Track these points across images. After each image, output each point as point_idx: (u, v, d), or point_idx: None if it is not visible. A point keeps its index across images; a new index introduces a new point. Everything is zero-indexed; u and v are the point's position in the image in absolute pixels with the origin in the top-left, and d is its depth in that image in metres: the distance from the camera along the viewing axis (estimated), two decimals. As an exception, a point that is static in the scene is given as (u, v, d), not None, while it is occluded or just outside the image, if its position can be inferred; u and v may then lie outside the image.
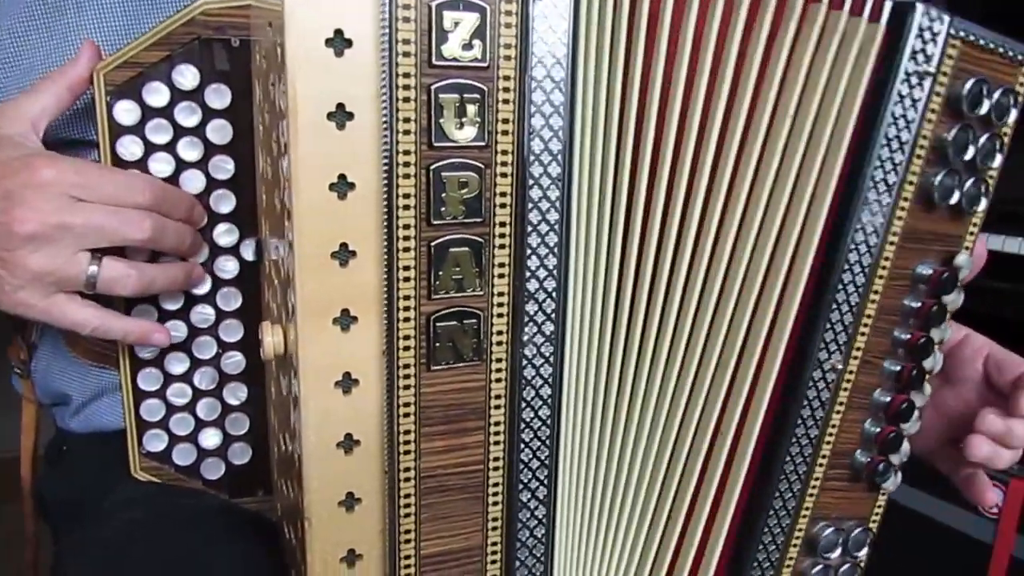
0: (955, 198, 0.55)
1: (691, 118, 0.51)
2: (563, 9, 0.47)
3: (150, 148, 0.59)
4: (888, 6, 0.51)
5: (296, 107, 0.44)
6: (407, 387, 0.49)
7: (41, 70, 0.61)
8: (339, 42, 0.44)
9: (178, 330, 0.61)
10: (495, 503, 0.53)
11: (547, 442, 0.53)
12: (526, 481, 0.53)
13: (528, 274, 0.50)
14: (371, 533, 0.51)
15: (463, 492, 0.52)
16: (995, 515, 1.13)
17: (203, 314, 0.62)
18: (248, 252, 0.61)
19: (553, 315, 0.51)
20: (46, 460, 0.74)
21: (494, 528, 0.54)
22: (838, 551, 0.60)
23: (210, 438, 0.64)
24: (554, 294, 0.51)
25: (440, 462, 0.51)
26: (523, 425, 0.52)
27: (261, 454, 0.65)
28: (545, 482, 0.54)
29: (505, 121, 0.47)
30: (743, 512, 0.58)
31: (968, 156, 0.54)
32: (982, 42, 0.54)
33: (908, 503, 1.23)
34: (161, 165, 0.59)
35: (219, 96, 0.59)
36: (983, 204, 0.57)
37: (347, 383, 0.48)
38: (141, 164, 0.58)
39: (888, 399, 0.58)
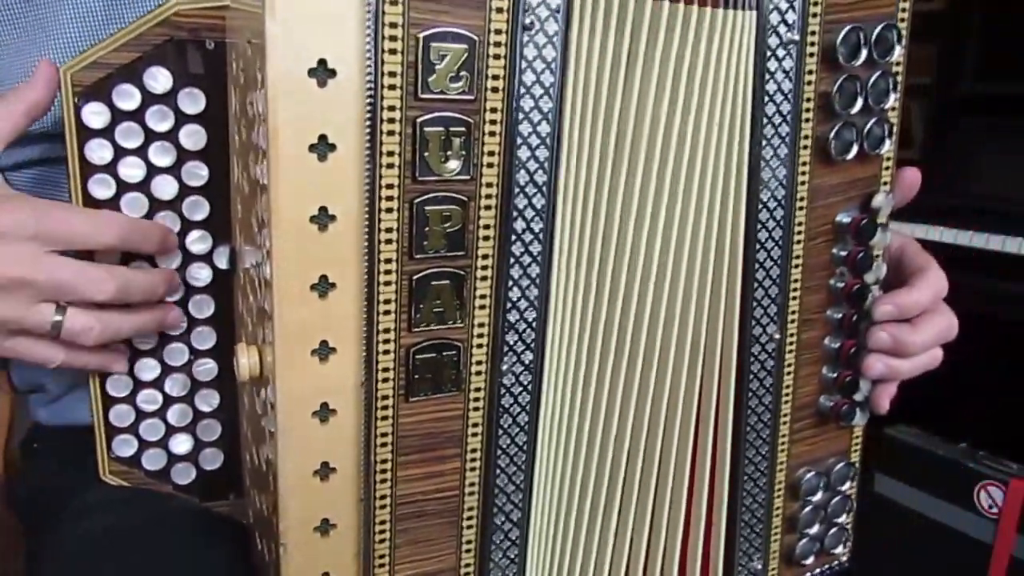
0: (854, 149, 0.56)
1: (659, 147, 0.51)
2: (554, 38, 0.46)
3: (120, 152, 0.56)
4: None
5: (277, 137, 0.43)
6: (385, 417, 0.49)
7: (20, 61, 0.59)
8: (322, 72, 0.42)
9: (149, 337, 0.60)
10: (469, 526, 0.53)
11: (523, 467, 0.53)
12: (501, 504, 0.54)
13: (509, 305, 0.50)
14: (346, 557, 0.51)
15: (438, 517, 0.52)
16: (995, 515, 1.14)
17: (175, 321, 0.61)
18: (222, 260, 0.60)
19: (533, 344, 0.51)
20: (21, 456, 0.73)
21: (467, 550, 0.54)
22: (820, 492, 0.63)
23: (181, 444, 0.63)
24: (534, 324, 0.51)
25: (416, 488, 0.51)
26: (499, 451, 0.52)
27: (233, 458, 0.65)
28: (520, 505, 0.54)
29: (491, 154, 0.47)
30: (718, 497, 0.60)
31: (858, 105, 0.55)
32: None
33: (908, 503, 1.23)
34: (132, 170, 0.57)
35: (193, 101, 0.57)
36: (888, 143, 0.58)
37: (324, 412, 0.48)
38: (110, 168, 0.56)
39: (837, 345, 0.60)
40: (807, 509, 0.64)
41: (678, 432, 0.58)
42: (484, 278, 0.49)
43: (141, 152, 0.57)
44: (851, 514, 0.66)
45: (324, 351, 0.47)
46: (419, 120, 0.44)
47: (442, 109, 0.44)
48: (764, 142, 0.53)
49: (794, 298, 0.57)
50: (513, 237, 0.48)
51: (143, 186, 0.57)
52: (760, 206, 0.54)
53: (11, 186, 0.57)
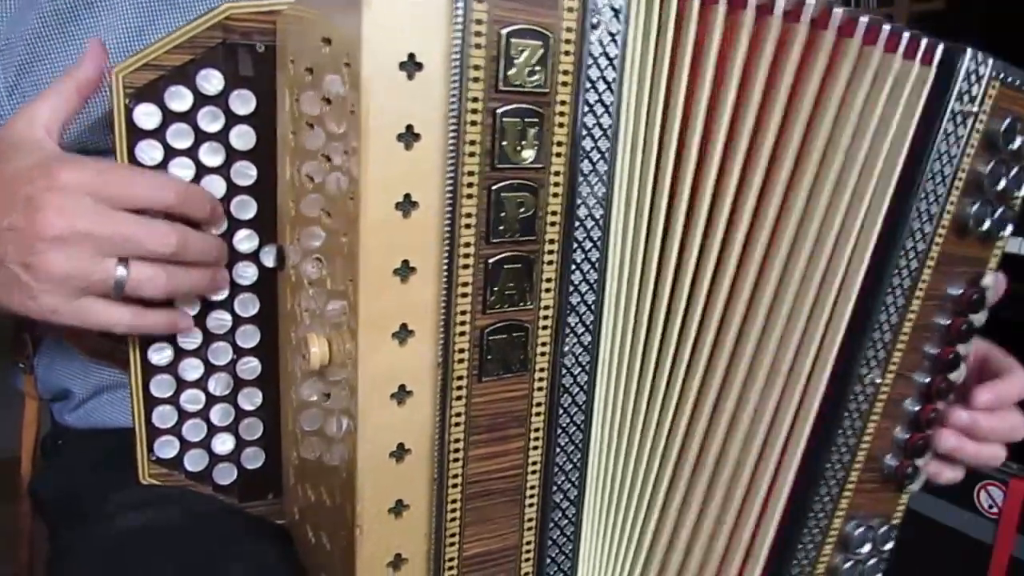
0: (986, 226, 0.60)
1: (736, 146, 0.55)
2: (616, 36, 0.50)
3: (170, 152, 0.57)
4: (940, 50, 0.55)
5: (368, 128, 0.45)
6: (459, 398, 0.51)
7: (54, 76, 0.59)
8: (411, 65, 0.45)
9: (194, 336, 0.61)
10: (531, 504, 0.56)
11: (580, 445, 0.56)
12: (559, 483, 0.56)
13: (571, 288, 0.52)
14: (417, 537, 0.53)
15: (503, 495, 0.54)
16: (995, 515, 1.15)
17: (220, 320, 0.61)
18: (268, 259, 0.61)
19: (591, 326, 0.54)
20: (41, 454, 0.72)
21: (529, 528, 0.56)
22: (868, 547, 0.66)
23: (224, 443, 0.64)
24: (593, 306, 0.54)
25: (484, 468, 0.53)
26: (559, 430, 0.55)
27: (274, 458, 0.65)
28: (576, 483, 0.57)
29: (559, 144, 0.50)
30: (788, 515, 0.63)
31: (1000, 187, 0.60)
32: (1018, 83, 0.59)
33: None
34: (181, 170, 0.58)
35: (243, 102, 0.58)
36: (1009, 229, 0.63)
37: (402, 395, 0.50)
38: (160, 169, 0.57)
39: (918, 408, 0.64)
40: (848, 564, 0.66)
41: (740, 435, 0.61)
42: (550, 262, 0.51)
43: (191, 152, 0.58)
44: None
45: (403, 334, 0.49)
46: (499, 111, 0.47)
47: (519, 101, 0.47)
48: (923, 192, 0.57)
49: (899, 350, 0.60)
50: (576, 223, 0.51)
51: (192, 186, 0.58)
52: (903, 252, 0.58)
53: None
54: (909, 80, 0.55)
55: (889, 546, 0.68)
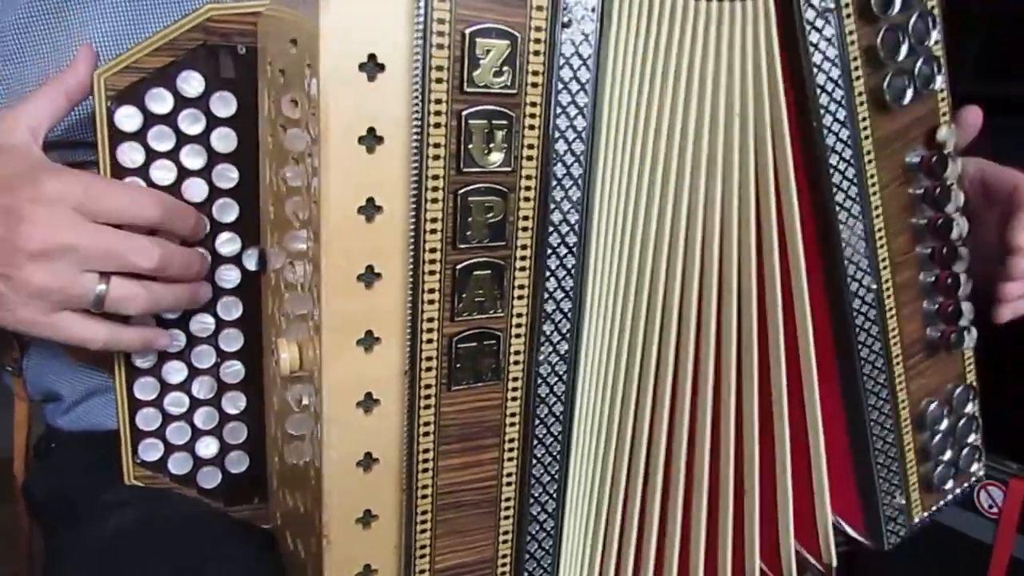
0: (909, 93, 0.58)
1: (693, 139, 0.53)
2: (590, 35, 0.48)
3: (152, 155, 0.57)
4: None
5: (328, 131, 0.44)
6: (428, 407, 0.50)
7: (43, 66, 0.60)
8: (372, 67, 0.44)
9: (177, 340, 0.61)
10: (507, 516, 0.54)
11: (558, 456, 0.54)
12: (536, 495, 0.55)
13: (546, 295, 0.51)
14: (387, 548, 0.52)
15: (477, 507, 0.53)
16: (995, 515, 1.14)
17: (203, 324, 0.61)
18: (250, 262, 0.61)
19: (568, 334, 0.52)
20: (35, 455, 0.73)
21: (504, 541, 0.55)
22: (945, 419, 0.66)
23: (207, 447, 0.63)
24: (570, 314, 0.52)
25: (456, 478, 0.52)
26: (536, 441, 0.53)
27: (258, 462, 0.65)
28: (555, 495, 0.55)
29: (530, 147, 0.48)
30: (847, 454, 0.63)
31: (903, 51, 0.57)
32: None
33: None
34: (163, 172, 0.57)
35: (224, 104, 0.58)
36: (939, 79, 0.60)
37: (368, 403, 0.49)
38: (142, 171, 0.57)
39: (933, 278, 0.63)
40: (937, 438, 0.66)
41: (744, 425, 0.59)
42: (523, 268, 0.50)
43: (172, 155, 0.58)
44: (979, 432, 0.69)
45: (369, 341, 0.48)
46: (464, 113, 0.46)
47: (486, 103, 0.46)
48: (822, 109, 0.55)
49: (881, 246, 0.60)
50: (550, 228, 0.50)
51: (174, 188, 0.58)
52: (831, 170, 0.57)
53: None
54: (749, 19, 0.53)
55: (971, 406, 0.68)
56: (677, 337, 0.56)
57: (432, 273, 0.47)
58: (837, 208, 0.58)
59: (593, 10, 0.48)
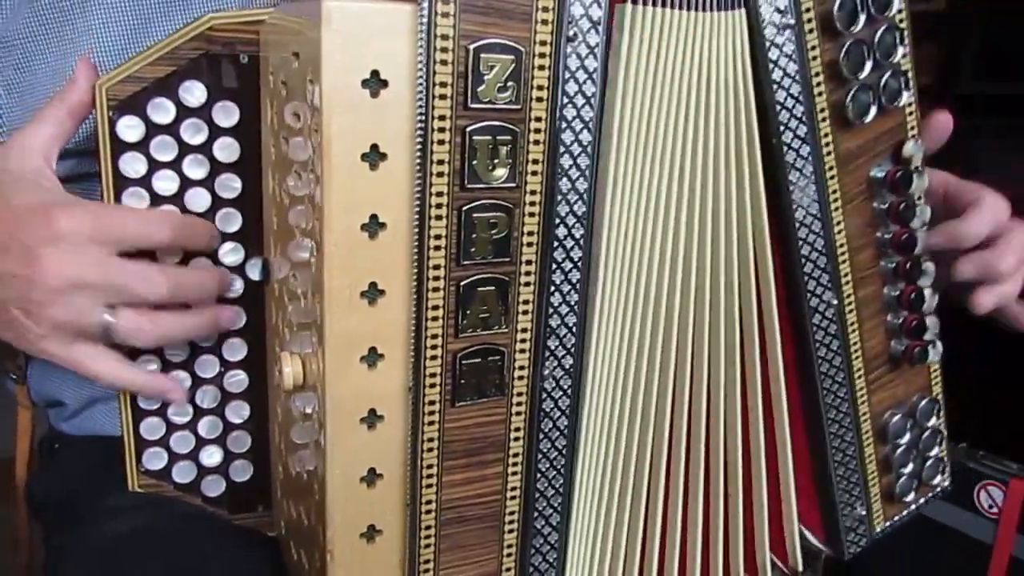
0: (873, 109, 0.57)
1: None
2: (596, 49, 0.47)
3: (154, 165, 0.57)
4: None
5: (330, 147, 0.43)
6: (431, 423, 0.49)
7: (51, 74, 0.60)
8: (375, 83, 0.43)
9: (181, 349, 0.60)
10: (511, 531, 0.54)
11: (563, 471, 0.54)
12: (541, 509, 0.54)
13: (551, 310, 0.51)
14: (391, 564, 0.52)
15: (481, 522, 0.53)
16: (995, 515, 1.14)
17: (206, 333, 0.61)
18: (254, 272, 0.60)
19: (573, 349, 0.52)
20: (39, 456, 0.73)
21: (508, 555, 0.55)
22: (908, 432, 0.66)
23: (211, 456, 0.63)
24: (575, 329, 0.52)
25: (460, 494, 0.52)
26: (540, 456, 0.53)
27: (262, 471, 0.65)
28: (559, 509, 0.55)
29: (535, 162, 0.48)
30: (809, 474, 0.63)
31: (867, 67, 0.56)
32: None
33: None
34: (165, 183, 0.57)
35: (227, 114, 0.57)
36: (906, 95, 0.59)
37: (372, 419, 0.48)
38: (144, 182, 0.57)
39: (897, 292, 0.62)
40: (899, 451, 0.66)
41: (728, 432, 0.59)
42: (527, 284, 0.49)
43: (175, 165, 0.57)
44: (943, 445, 0.69)
45: (372, 358, 0.47)
46: (468, 129, 0.45)
47: (490, 118, 0.45)
48: (781, 126, 0.55)
49: (843, 261, 0.59)
50: (555, 243, 0.49)
51: (177, 199, 0.57)
52: (791, 187, 0.56)
53: None
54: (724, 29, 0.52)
55: (935, 419, 0.68)
56: (692, 348, 0.57)
57: (436, 290, 0.47)
58: (797, 225, 0.57)
59: (599, 23, 0.47)
